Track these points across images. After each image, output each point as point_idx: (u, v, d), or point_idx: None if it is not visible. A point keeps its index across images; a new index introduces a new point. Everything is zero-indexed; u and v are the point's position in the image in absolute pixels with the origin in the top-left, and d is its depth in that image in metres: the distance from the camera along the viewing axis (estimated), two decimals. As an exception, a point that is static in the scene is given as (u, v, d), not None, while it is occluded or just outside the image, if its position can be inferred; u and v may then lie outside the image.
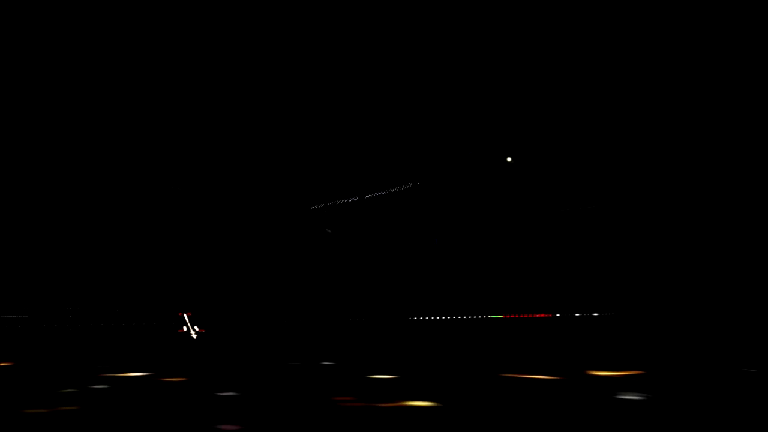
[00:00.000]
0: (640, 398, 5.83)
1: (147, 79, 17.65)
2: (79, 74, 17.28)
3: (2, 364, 10.15)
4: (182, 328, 15.75)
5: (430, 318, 17.00)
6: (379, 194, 18.38)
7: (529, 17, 15.19)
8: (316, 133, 18.93)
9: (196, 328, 15.99)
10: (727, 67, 13.39)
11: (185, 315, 17.38)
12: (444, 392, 6.25)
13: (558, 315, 15.88)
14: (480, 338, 15.62)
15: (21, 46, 16.47)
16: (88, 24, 16.35)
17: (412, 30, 16.37)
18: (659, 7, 13.85)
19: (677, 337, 13.03)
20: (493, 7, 15.40)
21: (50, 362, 10.53)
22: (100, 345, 15.54)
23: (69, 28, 16.35)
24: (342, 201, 19.27)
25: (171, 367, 9.27)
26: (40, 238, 18.58)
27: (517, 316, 16.61)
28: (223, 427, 4.59)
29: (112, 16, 16.30)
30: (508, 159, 16.11)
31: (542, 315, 16.66)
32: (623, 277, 15.00)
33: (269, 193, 20.13)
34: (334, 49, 17.13)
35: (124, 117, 18.47)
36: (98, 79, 17.48)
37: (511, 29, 15.49)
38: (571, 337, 14.93)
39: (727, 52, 13.33)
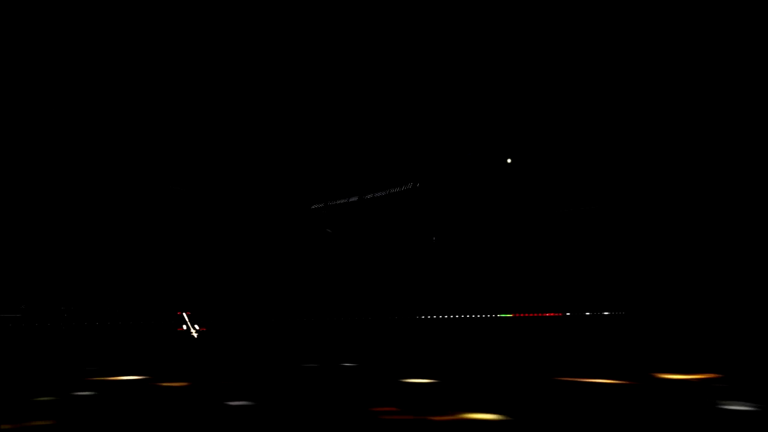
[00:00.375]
0: (751, 409, 4.71)
1: (147, 79, 17.39)
2: (79, 74, 16.97)
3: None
4: (182, 327, 14.62)
5: (440, 317, 16.22)
6: (379, 194, 17.95)
7: (529, 17, 15.03)
8: (315, 133, 18.67)
9: (197, 326, 14.85)
10: (727, 67, 13.13)
11: (184, 314, 16.27)
12: (504, 401, 5.11)
13: (568, 314, 15.73)
14: (500, 337, 14.52)
15: (21, 46, 16.18)
16: (88, 24, 16.11)
17: (411, 30, 16.23)
18: (659, 7, 13.61)
19: (726, 336, 11.92)
20: (493, 7, 15.27)
21: (34, 365, 9.38)
22: (92, 345, 14.40)
23: (69, 28, 16.10)
24: (342, 201, 18.80)
25: (170, 369, 8.12)
26: (37, 235, 17.80)
27: (526, 315, 16.33)
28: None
29: (112, 16, 16.10)
30: (509, 160, 15.86)
31: (552, 314, 16.39)
32: (641, 276, 14.36)
33: (269, 192, 19.68)
34: (334, 49, 16.96)
35: (124, 116, 18.03)
36: (98, 79, 17.18)
37: (511, 29, 15.33)
38: (601, 336, 13.87)
39: (727, 52, 13.08)
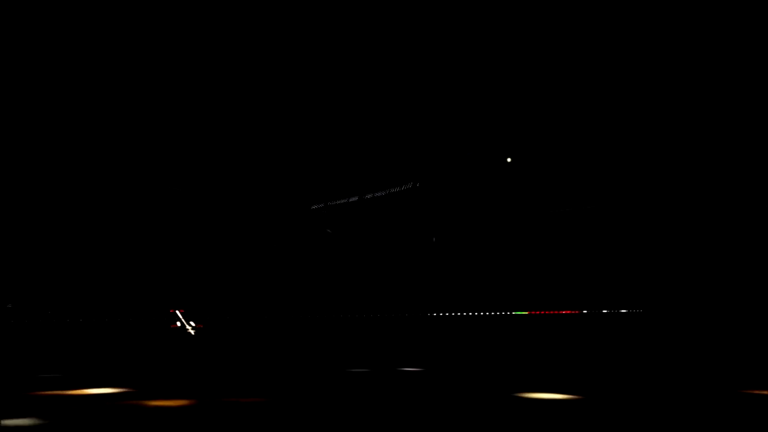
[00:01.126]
0: None
1: (147, 79, 17.53)
2: (79, 74, 17.04)
3: None
4: (176, 324, 12.37)
5: (462, 314, 15.00)
6: (379, 194, 18.01)
7: (529, 18, 15.09)
8: (315, 132, 18.80)
9: (193, 323, 12.59)
10: (727, 67, 13.08)
11: (177, 312, 14.10)
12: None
13: (585, 311, 15.04)
14: (547, 336, 12.46)
15: (21, 46, 16.23)
16: (88, 24, 16.27)
17: (412, 30, 16.37)
18: (659, 7, 13.65)
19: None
20: (493, 7, 15.39)
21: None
22: (68, 345, 12.07)
23: (69, 28, 16.22)
24: (342, 201, 18.85)
25: (163, 378, 5.79)
26: (29, 233, 17.02)
27: (541, 312, 15.80)
28: None
29: (112, 16, 16.30)
30: (508, 159, 16.04)
31: (568, 311, 15.99)
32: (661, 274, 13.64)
33: (269, 192, 19.20)
34: (334, 48, 17.12)
35: (120, 115, 17.79)
36: (98, 79, 17.28)
37: (511, 30, 15.40)
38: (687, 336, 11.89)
39: (727, 52, 13.03)
